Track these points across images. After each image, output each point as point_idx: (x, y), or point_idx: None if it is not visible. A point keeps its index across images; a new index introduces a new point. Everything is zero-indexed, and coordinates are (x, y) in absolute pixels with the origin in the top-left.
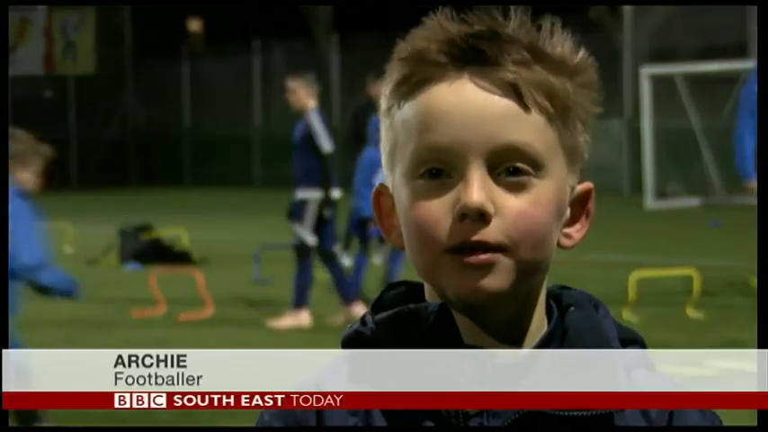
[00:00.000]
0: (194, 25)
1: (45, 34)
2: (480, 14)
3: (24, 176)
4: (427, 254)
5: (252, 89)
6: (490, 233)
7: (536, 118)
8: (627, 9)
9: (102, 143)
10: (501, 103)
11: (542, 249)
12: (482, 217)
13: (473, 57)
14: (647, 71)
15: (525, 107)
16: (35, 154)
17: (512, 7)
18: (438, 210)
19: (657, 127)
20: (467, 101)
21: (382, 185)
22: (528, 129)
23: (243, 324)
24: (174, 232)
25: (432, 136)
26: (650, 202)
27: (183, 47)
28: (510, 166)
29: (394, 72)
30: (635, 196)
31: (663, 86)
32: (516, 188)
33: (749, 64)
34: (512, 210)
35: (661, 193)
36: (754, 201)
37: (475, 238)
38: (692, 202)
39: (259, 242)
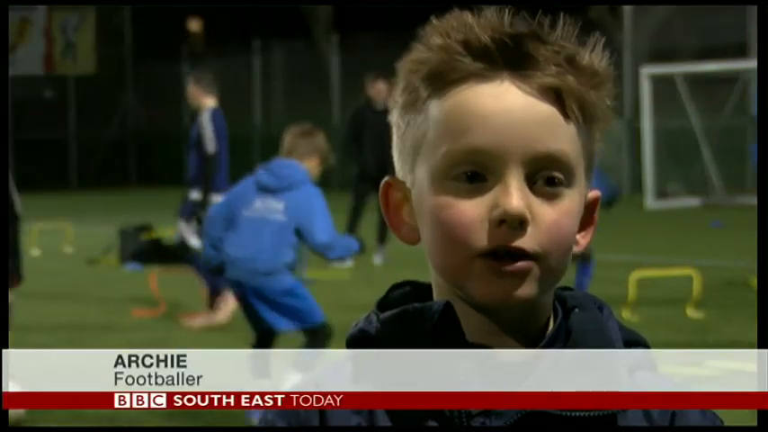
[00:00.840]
0: (194, 25)
1: (45, 34)
2: (526, 16)
3: (313, 166)
4: (458, 256)
5: (252, 89)
6: (527, 241)
7: (572, 127)
8: (627, 9)
9: (102, 143)
10: (543, 110)
11: (567, 258)
12: (521, 224)
13: (514, 58)
14: (647, 71)
15: (566, 115)
16: (328, 153)
17: (561, 16)
18: (472, 212)
19: (657, 127)
20: (509, 105)
21: (393, 179)
22: (566, 137)
23: (243, 324)
24: (174, 232)
25: (470, 139)
26: (650, 202)
27: (183, 47)
28: (547, 174)
29: (424, 59)
30: (635, 196)
31: (663, 86)
32: (551, 197)
33: (749, 64)
34: (546, 219)
35: (661, 193)
36: (754, 201)
37: (514, 244)
38: (692, 202)
39: None
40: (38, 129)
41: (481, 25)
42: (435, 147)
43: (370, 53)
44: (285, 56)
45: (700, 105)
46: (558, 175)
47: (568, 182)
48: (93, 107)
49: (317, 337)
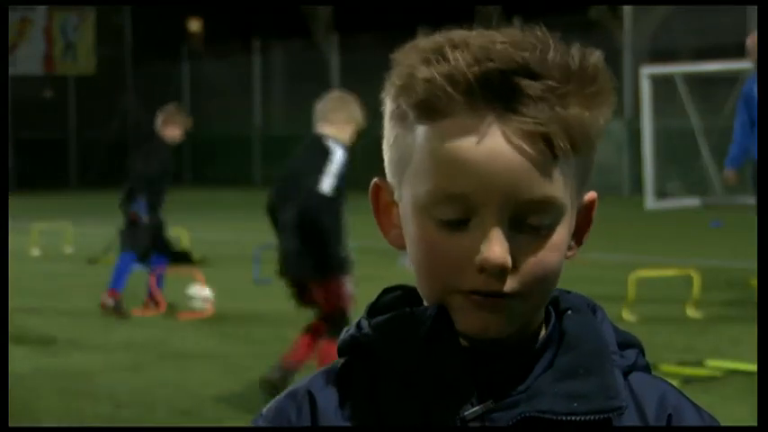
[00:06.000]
0: (194, 25)
1: (45, 34)
2: (515, 36)
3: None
4: (437, 291)
5: (252, 89)
6: (506, 284)
7: (561, 163)
8: (627, 9)
9: (102, 143)
10: (529, 154)
11: (553, 285)
12: (502, 272)
13: (501, 96)
14: (647, 71)
15: (554, 156)
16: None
17: (544, 31)
18: (454, 253)
19: (657, 127)
20: (492, 151)
21: (382, 181)
22: (554, 180)
23: (243, 324)
24: (173, 232)
25: (453, 184)
26: (650, 202)
27: (183, 47)
28: (533, 219)
29: (410, 86)
30: (635, 196)
31: (663, 86)
32: (536, 237)
33: (749, 64)
34: (530, 261)
35: (661, 193)
36: (753, 201)
37: (491, 289)
38: (692, 202)
39: (259, 242)
40: (38, 129)
41: (465, 57)
42: (420, 179)
43: (370, 53)
44: (285, 56)
45: (699, 105)
46: (544, 218)
47: (556, 221)
48: (93, 107)
49: None
